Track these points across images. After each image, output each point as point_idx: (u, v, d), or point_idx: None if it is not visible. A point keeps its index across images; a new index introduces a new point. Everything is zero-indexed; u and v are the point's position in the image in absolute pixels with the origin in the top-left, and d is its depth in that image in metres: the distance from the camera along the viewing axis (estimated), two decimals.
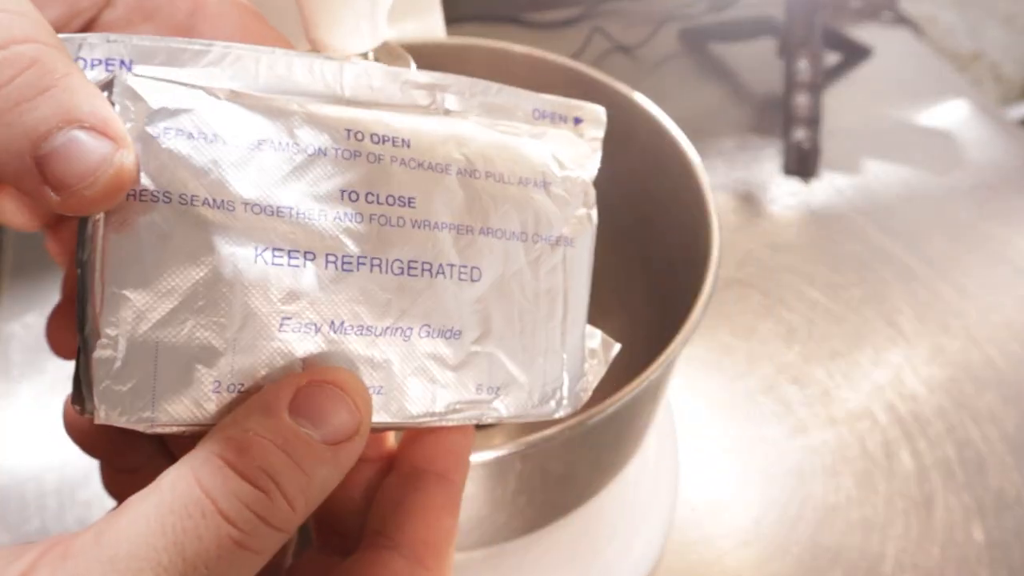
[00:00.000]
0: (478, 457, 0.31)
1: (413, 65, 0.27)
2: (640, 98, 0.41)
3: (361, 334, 0.19)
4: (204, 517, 0.16)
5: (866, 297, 0.60)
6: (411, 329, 0.20)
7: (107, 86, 0.18)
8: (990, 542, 0.48)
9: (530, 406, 0.22)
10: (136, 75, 0.18)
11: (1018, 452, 0.52)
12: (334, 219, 0.19)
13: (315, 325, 0.19)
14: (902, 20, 0.84)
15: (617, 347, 0.24)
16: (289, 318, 0.18)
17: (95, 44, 0.18)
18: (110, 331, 0.17)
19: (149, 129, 0.18)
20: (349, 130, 0.19)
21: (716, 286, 0.35)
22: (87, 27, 0.22)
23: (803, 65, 0.70)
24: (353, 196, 0.19)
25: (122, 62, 0.18)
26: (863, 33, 0.80)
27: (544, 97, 0.23)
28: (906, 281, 0.61)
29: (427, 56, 0.41)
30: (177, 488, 0.17)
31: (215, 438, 0.17)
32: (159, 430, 0.18)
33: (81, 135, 0.16)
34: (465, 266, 0.20)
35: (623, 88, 0.41)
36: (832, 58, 0.78)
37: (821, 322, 0.59)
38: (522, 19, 0.82)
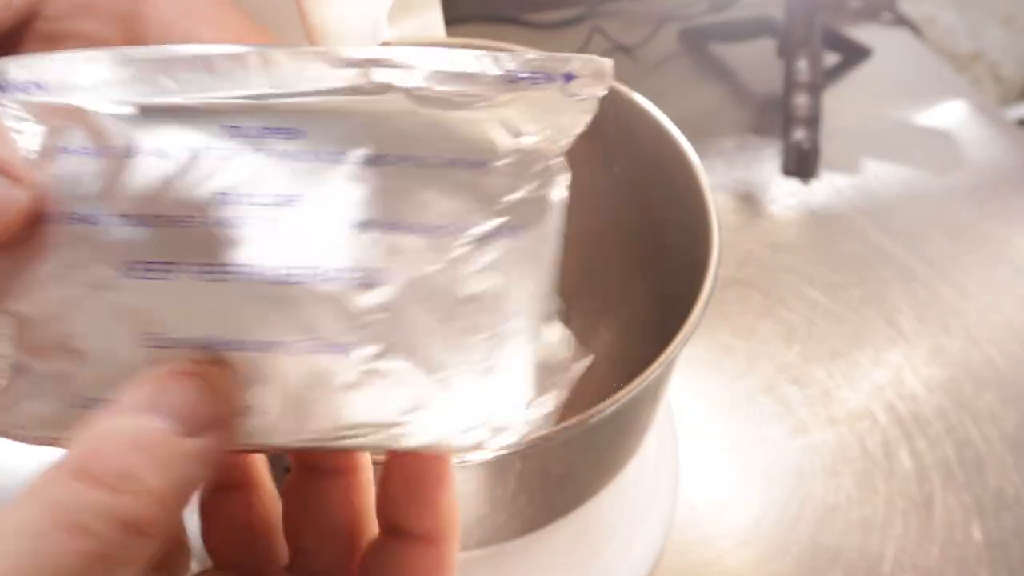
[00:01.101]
0: (478, 457, 0.31)
1: None
2: (640, 98, 0.41)
3: (230, 349, 0.18)
4: (44, 534, 0.15)
5: (866, 297, 0.60)
6: (285, 344, 0.18)
7: None
8: (989, 542, 0.48)
9: (458, 431, 0.19)
10: (19, 100, 0.18)
11: (1018, 452, 0.52)
12: (203, 226, 0.17)
13: (174, 340, 0.18)
14: (902, 20, 0.84)
15: (587, 361, 0.20)
16: (149, 333, 0.18)
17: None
18: None
19: (29, 151, 0.18)
20: (230, 127, 0.18)
21: (716, 286, 0.35)
22: (22, 20, 0.21)
23: (803, 65, 0.70)
24: (227, 199, 0.17)
25: (36, 85, 0.18)
26: (863, 33, 0.80)
27: (522, 56, 0.19)
28: (906, 281, 0.61)
29: None
30: (19, 507, 0.16)
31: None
32: (36, 444, 0.18)
33: None
34: (361, 269, 0.18)
35: (623, 88, 0.41)
36: (832, 58, 0.78)
37: (821, 322, 0.59)
38: (522, 19, 0.82)
